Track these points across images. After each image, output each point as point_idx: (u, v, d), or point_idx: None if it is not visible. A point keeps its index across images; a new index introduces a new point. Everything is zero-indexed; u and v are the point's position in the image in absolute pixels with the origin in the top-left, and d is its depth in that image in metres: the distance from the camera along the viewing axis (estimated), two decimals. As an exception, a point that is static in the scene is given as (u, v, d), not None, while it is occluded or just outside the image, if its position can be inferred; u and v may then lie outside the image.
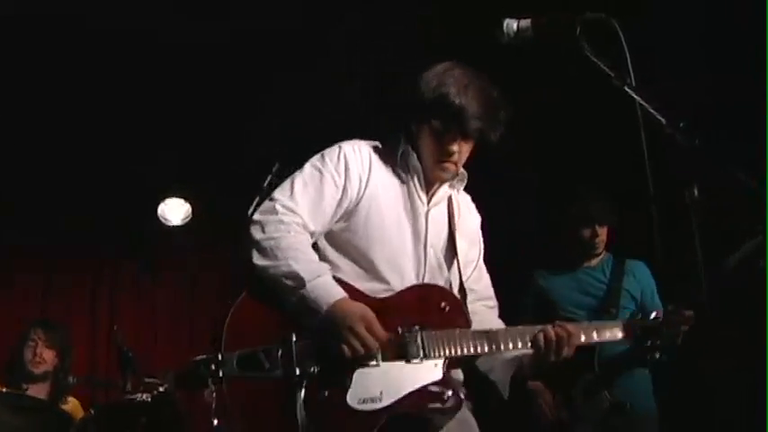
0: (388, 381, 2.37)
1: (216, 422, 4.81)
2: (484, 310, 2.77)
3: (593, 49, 2.19)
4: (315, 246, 2.55)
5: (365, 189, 2.57)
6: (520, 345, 2.53)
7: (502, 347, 2.51)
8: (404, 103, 2.68)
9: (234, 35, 4.77)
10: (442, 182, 2.68)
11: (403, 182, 2.64)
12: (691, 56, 4.62)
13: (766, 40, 4.01)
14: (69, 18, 4.54)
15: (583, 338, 2.60)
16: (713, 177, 1.98)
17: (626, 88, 2.11)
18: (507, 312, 2.85)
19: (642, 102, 2.07)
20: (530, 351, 2.55)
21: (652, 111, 2.06)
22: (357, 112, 5.11)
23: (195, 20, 4.58)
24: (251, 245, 2.46)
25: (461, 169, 2.69)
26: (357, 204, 2.56)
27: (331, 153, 2.60)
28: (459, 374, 2.61)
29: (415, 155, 2.62)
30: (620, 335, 2.71)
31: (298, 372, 2.28)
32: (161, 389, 4.52)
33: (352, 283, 2.50)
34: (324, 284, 2.39)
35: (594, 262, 4.23)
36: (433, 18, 4.78)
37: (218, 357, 2.41)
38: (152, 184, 6.14)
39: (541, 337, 2.51)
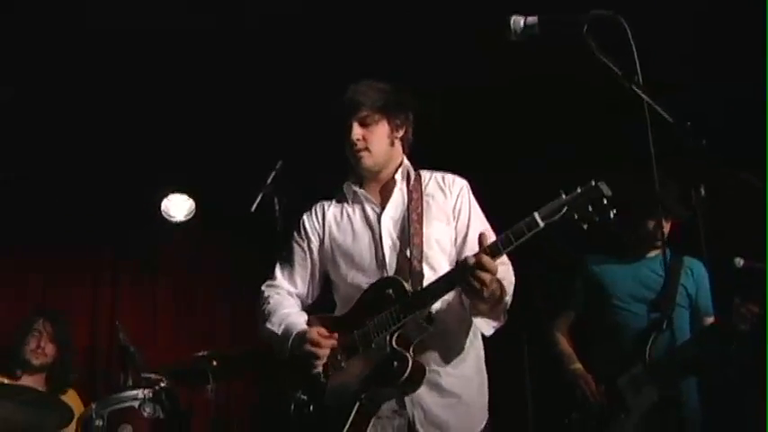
0: (354, 373, 2.77)
1: (216, 417, 4.84)
2: None
3: (601, 47, 2.18)
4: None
5: (323, 236, 3.09)
6: (444, 291, 2.68)
7: (435, 296, 2.68)
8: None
9: (240, 31, 4.75)
10: (369, 174, 3.03)
11: (360, 207, 3.05)
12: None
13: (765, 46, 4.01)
14: (76, 17, 4.53)
15: (502, 249, 2.55)
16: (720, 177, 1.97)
17: (633, 87, 2.10)
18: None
19: (650, 101, 2.07)
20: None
21: (660, 110, 2.05)
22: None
23: (202, 15, 4.55)
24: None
25: (406, 162, 3.07)
26: (323, 251, 3.08)
27: (296, 226, 3.18)
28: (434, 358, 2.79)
29: (352, 184, 3.07)
30: (536, 222, 2.47)
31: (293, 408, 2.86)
32: (162, 384, 4.52)
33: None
34: (286, 328, 2.92)
35: (653, 254, 4.07)
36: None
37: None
38: (155, 179, 6.13)
39: (457, 274, 2.60)
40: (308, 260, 3.11)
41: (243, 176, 4.49)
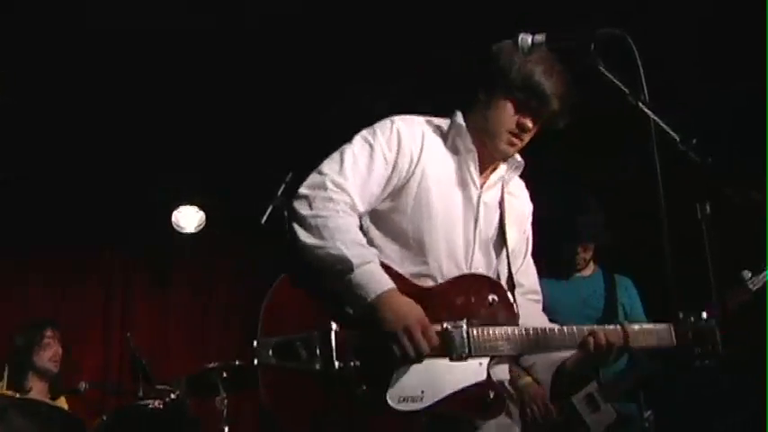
0: (431, 379, 2.26)
1: (226, 429, 4.85)
2: (530, 304, 2.66)
3: (608, 65, 2.20)
4: (360, 226, 2.44)
5: (416, 166, 2.46)
6: (568, 346, 2.44)
7: (550, 348, 2.44)
8: (480, 72, 2.55)
9: (240, 31, 4.77)
10: (500, 160, 2.56)
11: (456, 162, 2.52)
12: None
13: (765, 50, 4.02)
14: (76, 17, 4.57)
15: (633, 344, 2.47)
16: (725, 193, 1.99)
17: (640, 105, 2.12)
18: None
19: (656, 118, 2.08)
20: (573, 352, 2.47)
21: (665, 127, 2.07)
22: (372, 115, 5.11)
23: (202, 15, 4.58)
24: (296, 221, 2.33)
25: (518, 157, 2.60)
26: (407, 182, 2.46)
27: (383, 126, 2.49)
28: (504, 372, 2.52)
29: (469, 135, 2.51)
30: (670, 340, 2.47)
31: (337, 365, 2.20)
32: (173, 395, 4.54)
33: (397, 267, 2.39)
34: (372, 272, 2.25)
35: (587, 272, 4.14)
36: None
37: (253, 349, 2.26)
38: (166, 191, 6.17)
39: (591, 341, 2.40)
40: (385, 182, 2.44)
41: (253, 188, 4.52)
